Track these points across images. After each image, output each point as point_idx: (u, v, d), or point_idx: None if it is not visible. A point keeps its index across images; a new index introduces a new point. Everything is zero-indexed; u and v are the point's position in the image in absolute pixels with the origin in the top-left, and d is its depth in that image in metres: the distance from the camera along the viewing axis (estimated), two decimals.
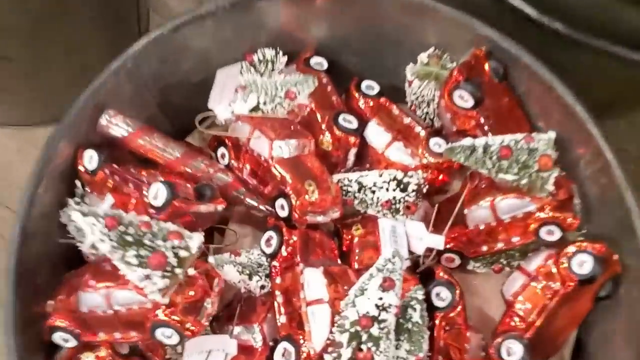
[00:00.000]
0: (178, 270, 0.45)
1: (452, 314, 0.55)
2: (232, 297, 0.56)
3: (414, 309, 0.50)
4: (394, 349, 0.48)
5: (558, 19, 0.63)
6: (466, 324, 0.56)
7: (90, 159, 0.55)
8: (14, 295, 0.51)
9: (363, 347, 0.46)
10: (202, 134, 0.65)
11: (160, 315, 0.47)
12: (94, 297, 0.48)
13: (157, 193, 0.50)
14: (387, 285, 0.47)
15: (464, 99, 0.58)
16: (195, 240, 0.46)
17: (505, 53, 0.60)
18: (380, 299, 0.47)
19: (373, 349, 0.46)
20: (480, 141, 0.54)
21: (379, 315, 0.46)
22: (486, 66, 0.59)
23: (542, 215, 0.54)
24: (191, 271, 0.46)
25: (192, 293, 0.48)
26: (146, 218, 0.47)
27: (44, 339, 0.51)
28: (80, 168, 0.55)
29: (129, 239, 0.45)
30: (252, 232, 0.62)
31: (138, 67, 0.58)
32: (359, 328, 0.46)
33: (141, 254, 0.44)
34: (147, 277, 0.44)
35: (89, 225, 0.45)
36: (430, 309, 0.55)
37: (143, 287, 0.45)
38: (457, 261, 0.60)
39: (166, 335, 0.47)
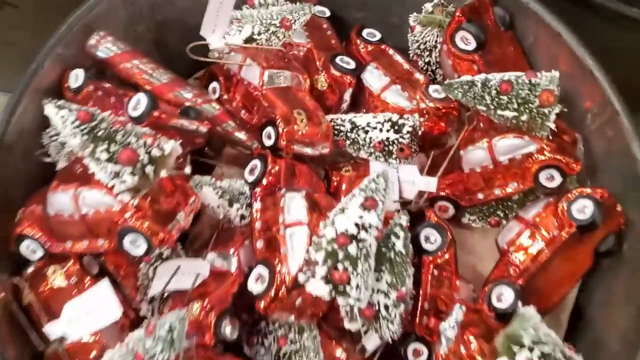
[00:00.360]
0: (149, 169, 0.42)
1: (440, 260, 0.52)
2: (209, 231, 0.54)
3: (397, 237, 0.47)
4: (373, 277, 0.45)
5: None
6: (456, 273, 0.53)
7: (76, 78, 0.54)
8: None
9: (339, 266, 0.43)
10: (197, 80, 0.63)
11: (129, 219, 0.44)
12: (62, 198, 0.46)
13: (137, 103, 0.48)
14: (368, 204, 0.44)
15: (466, 41, 0.56)
16: (170, 143, 0.44)
17: (512, 0, 0.58)
18: (361, 217, 0.44)
19: (349, 269, 0.43)
20: (479, 77, 0.52)
21: (359, 234, 0.43)
22: (491, 11, 0.57)
23: (541, 157, 0.52)
24: (163, 174, 0.43)
25: (163, 202, 0.45)
26: (121, 118, 0.45)
27: (10, 250, 0.49)
28: (66, 87, 0.54)
29: (101, 133, 0.43)
30: (239, 173, 0.59)
31: None
32: (336, 246, 0.43)
33: (112, 150, 0.42)
34: (117, 174, 0.42)
35: (61, 119, 0.43)
36: (419, 253, 0.52)
37: (112, 186, 0.43)
38: (451, 211, 0.57)
39: (133, 243, 0.45)
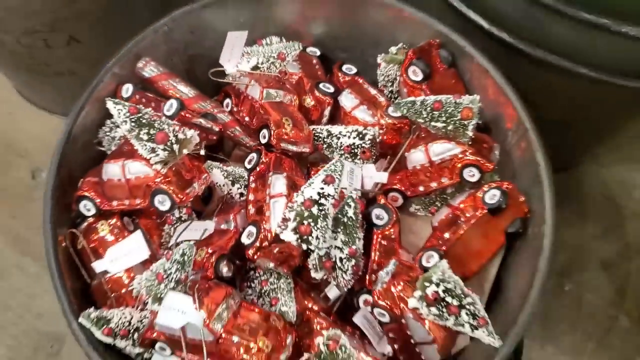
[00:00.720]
0: (175, 147, 0.61)
1: (387, 233, 0.68)
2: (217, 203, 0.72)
3: (350, 206, 0.64)
4: (330, 232, 0.62)
5: (504, 29, 0.80)
6: (399, 243, 0.69)
7: (127, 90, 0.73)
8: (53, 179, 0.68)
9: (304, 222, 0.60)
10: (216, 99, 0.83)
11: (159, 183, 0.63)
12: (113, 168, 0.65)
13: (170, 106, 0.68)
14: (328, 179, 0.62)
15: (415, 73, 0.75)
16: (191, 131, 0.63)
17: (454, 45, 0.76)
18: (322, 189, 0.61)
19: (312, 224, 0.60)
20: (419, 98, 0.70)
21: (319, 200, 0.61)
22: (437, 52, 0.76)
23: (464, 157, 0.69)
24: (185, 151, 0.62)
25: (185, 174, 0.64)
26: (159, 114, 0.64)
27: (72, 208, 0.68)
28: (119, 96, 0.73)
29: (144, 121, 0.62)
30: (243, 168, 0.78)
31: (172, 32, 0.77)
32: (303, 208, 0.60)
33: (151, 132, 0.61)
34: (153, 150, 0.61)
35: (117, 111, 0.62)
36: (371, 228, 0.69)
37: (150, 158, 0.61)
38: (400, 200, 0.74)
39: (161, 201, 0.63)
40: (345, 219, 0.63)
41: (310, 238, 0.60)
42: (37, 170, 1.15)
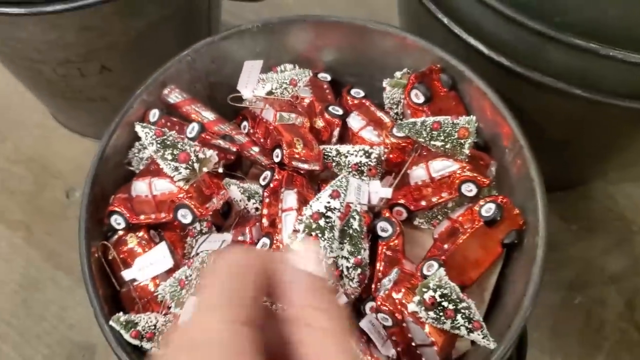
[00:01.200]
0: (196, 166, 0.67)
1: (391, 243, 0.74)
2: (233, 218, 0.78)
3: (354, 219, 0.69)
4: (337, 243, 0.67)
5: (502, 54, 0.86)
6: (403, 254, 0.74)
7: (154, 115, 0.80)
8: (88, 196, 0.75)
9: (312, 233, 0.66)
10: (234, 122, 0.89)
11: (182, 198, 0.69)
12: (141, 185, 0.71)
13: (192, 129, 0.75)
14: (334, 194, 0.68)
15: (417, 96, 0.81)
16: (210, 151, 0.69)
17: (454, 70, 0.82)
18: (328, 202, 0.67)
19: (320, 235, 0.66)
20: (420, 119, 0.75)
21: (326, 212, 0.66)
22: (437, 76, 0.82)
23: (462, 173, 0.74)
24: (205, 169, 0.69)
25: (205, 190, 0.70)
26: (182, 136, 0.71)
27: (104, 222, 0.75)
28: (147, 120, 0.81)
29: (168, 143, 0.69)
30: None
31: (195, 61, 0.85)
32: (311, 220, 0.66)
33: (174, 153, 0.68)
34: (176, 168, 0.68)
35: (145, 133, 0.69)
36: (376, 241, 0.74)
37: (173, 176, 0.68)
38: (405, 214, 0.79)
39: (183, 215, 0.70)
40: (351, 231, 0.69)
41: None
42: (70, 190, 1.23)
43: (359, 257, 0.69)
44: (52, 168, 1.27)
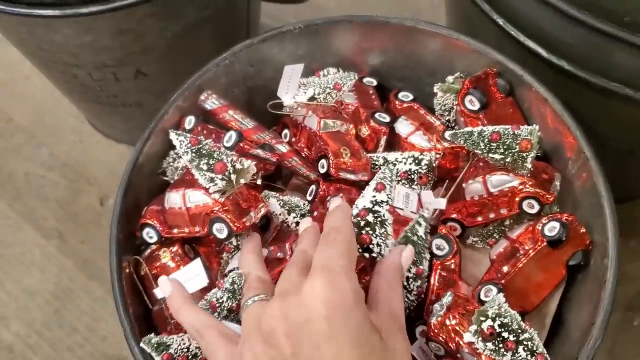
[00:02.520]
0: (233, 177, 0.63)
1: (447, 264, 0.68)
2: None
3: (420, 225, 0.64)
4: (392, 239, 0.61)
5: (563, 57, 0.79)
6: (459, 275, 0.68)
7: (189, 122, 0.76)
8: (120, 206, 0.71)
9: (363, 231, 0.60)
10: (274, 130, 0.85)
11: (218, 212, 0.64)
12: (175, 197, 0.67)
13: (230, 137, 0.70)
14: (379, 187, 0.62)
15: (472, 103, 0.74)
16: (248, 162, 0.64)
17: (512, 74, 0.76)
18: (374, 197, 0.61)
19: (370, 232, 0.60)
20: (477, 128, 0.69)
21: (373, 207, 0.61)
22: (494, 81, 0.75)
23: (523, 189, 0.68)
24: (242, 181, 0.64)
25: (242, 203, 0.65)
26: (218, 145, 0.66)
27: (136, 234, 0.70)
28: (182, 128, 0.76)
29: (204, 152, 0.64)
30: (299, 197, 0.79)
31: (233, 65, 0.80)
32: (359, 218, 0.61)
33: (210, 163, 0.63)
34: (212, 179, 0.63)
35: (179, 142, 0.65)
36: (431, 258, 0.68)
37: (208, 188, 0.63)
38: (459, 230, 0.73)
39: (219, 230, 0.65)
40: (415, 238, 0.63)
41: (371, 246, 0.61)
42: (105, 198, 1.20)
43: (421, 267, 0.63)
44: (87, 174, 1.24)
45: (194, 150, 0.64)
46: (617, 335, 1.06)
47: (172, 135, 0.66)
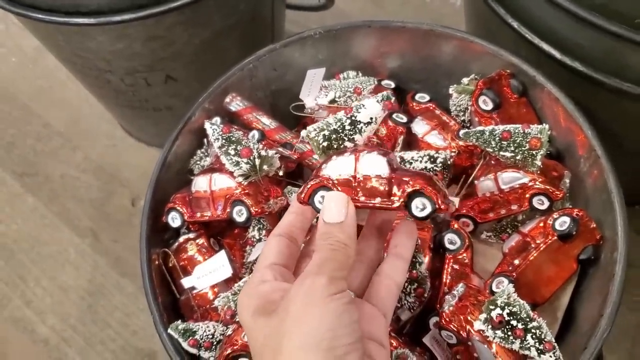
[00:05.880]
0: (257, 162, 0.67)
1: (459, 257, 0.70)
2: None
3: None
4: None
5: (576, 58, 0.81)
6: (471, 269, 0.71)
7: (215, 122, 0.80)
8: (149, 202, 0.75)
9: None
10: (297, 130, 0.88)
11: (240, 195, 0.69)
12: (202, 180, 0.72)
13: (252, 136, 0.74)
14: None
15: (486, 103, 0.77)
16: (272, 151, 0.69)
17: (525, 75, 0.78)
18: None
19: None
20: (488, 127, 0.72)
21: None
22: (507, 82, 0.78)
23: (533, 185, 0.70)
24: (265, 168, 0.68)
25: (263, 192, 0.70)
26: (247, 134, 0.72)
27: (162, 220, 0.75)
28: None
29: (233, 139, 0.69)
30: None
31: (257, 69, 0.84)
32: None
33: (237, 148, 0.68)
34: (237, 163, 0.68)
35: (213, 130, 0.70)
36: (444, 253, 0.71)
37: (234, 172, 0.68)
38: (471, 226, 0.75)
39: (238, 212, 0.69)
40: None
41: None
42: (136, 198, 1.25)
43: (414, 271, 0.66)
44: (120, 176, 1.29)
45: (224, 137, 0.69)
46: (637, 335, 1.07)
47: (207, 125, 0.72)
